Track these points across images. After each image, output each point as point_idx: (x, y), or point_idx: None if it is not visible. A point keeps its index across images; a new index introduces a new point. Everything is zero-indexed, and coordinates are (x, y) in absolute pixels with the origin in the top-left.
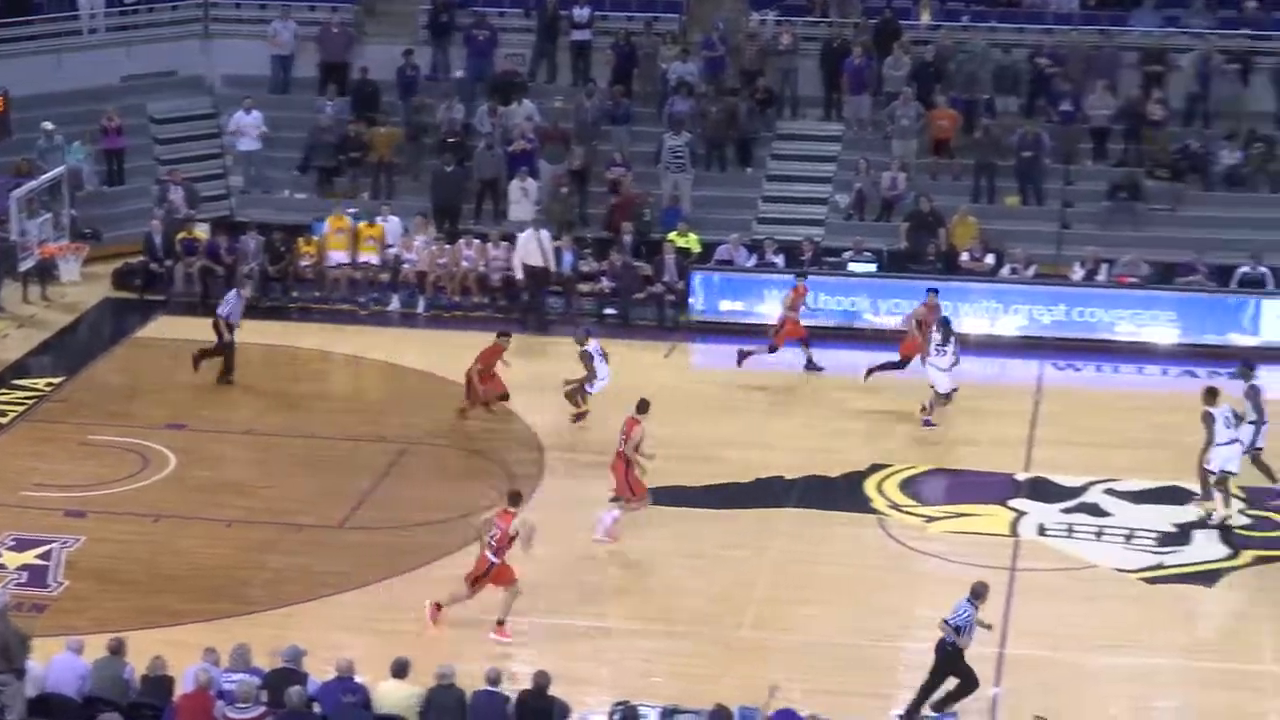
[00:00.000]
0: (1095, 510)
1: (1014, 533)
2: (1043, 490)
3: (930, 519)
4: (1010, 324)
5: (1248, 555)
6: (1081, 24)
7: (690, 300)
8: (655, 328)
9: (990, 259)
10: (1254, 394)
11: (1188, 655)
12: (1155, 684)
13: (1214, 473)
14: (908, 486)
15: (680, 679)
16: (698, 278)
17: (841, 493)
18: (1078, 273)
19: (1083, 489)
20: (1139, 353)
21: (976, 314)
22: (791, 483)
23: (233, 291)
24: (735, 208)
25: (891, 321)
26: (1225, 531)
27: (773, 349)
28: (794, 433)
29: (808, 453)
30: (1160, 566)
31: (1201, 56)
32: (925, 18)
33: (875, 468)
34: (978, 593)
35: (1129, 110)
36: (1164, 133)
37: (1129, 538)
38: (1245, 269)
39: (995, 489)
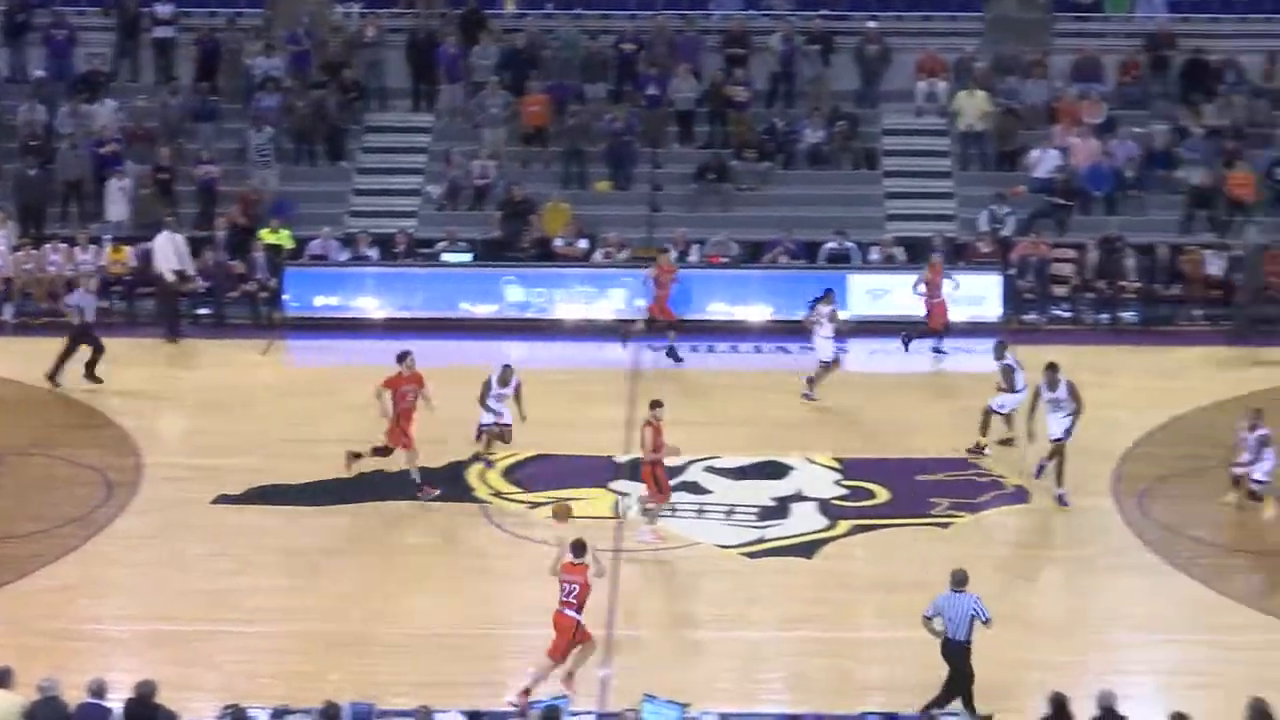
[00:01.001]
0: (696, 488)
1: (617, 514)
2: None
3: (534, 505)
4: (606, 308)
5: (845, 525)
6: (664, 8)
7: (284, 297)
8: (250, 326)
9: (584, 244)
10: (1008, 373)
11: (791, 626)
12: (761, 657)
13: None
14: (510, 473)
15: (288, 679)
16: (289, 274)
17: (445, 483)
18: (670, 254)
19: (682, 468)
20: (732, 331)
21: (572, 299)
22: (392, 476)
23: None
24: (327, 202)
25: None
26: (823, 503)
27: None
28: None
29: None
30: (761, 540)
31: (783, 38)
32: (510, 6)
33: (477, 456)
34: (961, 580)
35: (713, 93)
36: (748, 114)
37: (729, 514)
38: (832, 245)
39: (597, 472)
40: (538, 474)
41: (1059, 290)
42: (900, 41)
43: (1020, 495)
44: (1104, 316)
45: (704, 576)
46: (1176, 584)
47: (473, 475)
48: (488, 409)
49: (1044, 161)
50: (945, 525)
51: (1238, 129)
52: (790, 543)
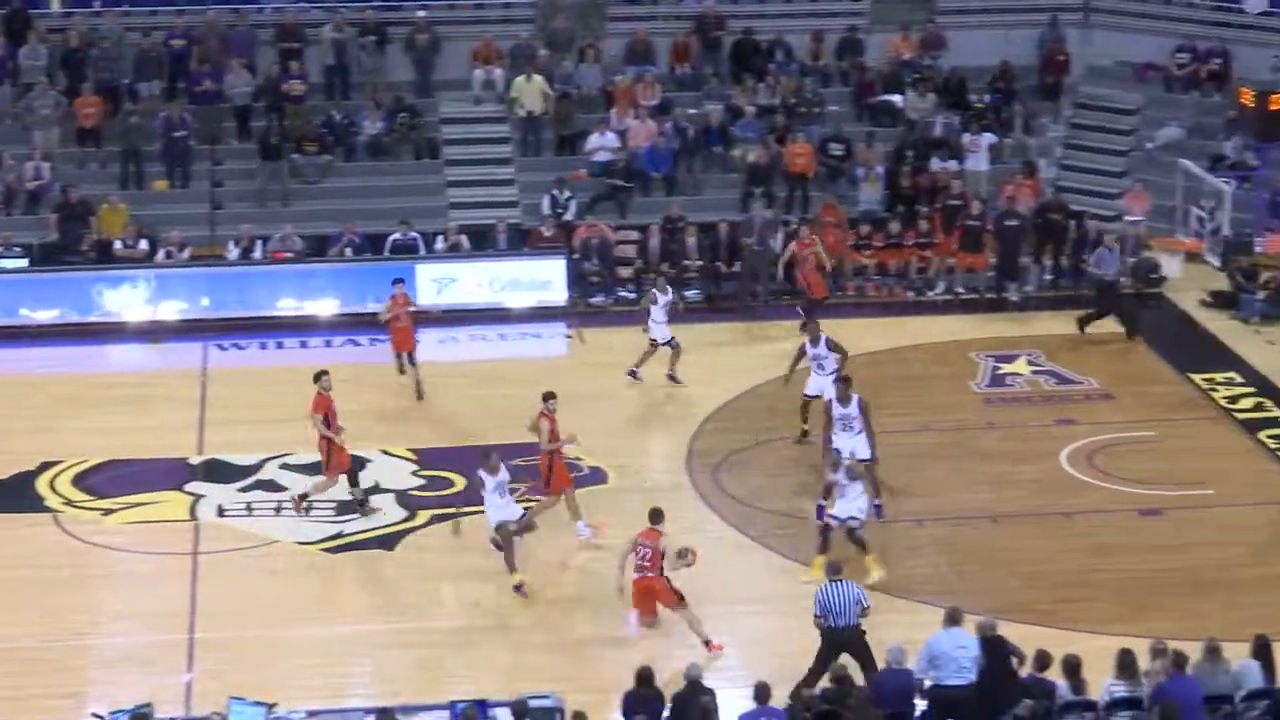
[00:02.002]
0: (272, 486)
1: (193, 516)
2: (218, 471)
3: (107, 511)
4: (171, 309)
5: (424, 515)
6: (215, 3)
7: None
8: None
9: (144, 245)
10: (865, 408)
11: (375, 619)
12: (345, 651)
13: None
14: (81, 480)
15: None
16: None
17: (12, 494)
18: (233, 252)
19: (258, 466)
20: (302, 326)
21: (136, 302)
22: None
23: None
24: None
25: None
26: (401, 494)
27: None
28: None
29: None
30: (340, 535)
31: (335, 28)
32: (55, 4)
33: (46, 465)
34: (836, 569)
35: (269, 87)
36: (306, 107)
37: (307, 510)
38: (396, 236)
39: (170, 475)
40: (109, 480)
41: (623, 272)
42: (455, 30)
43: (597, 476)
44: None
45: (284, 574)
46: (755, 556)
47: (42, 484)
48: None
49: (603, 145)
50: (524, 509)
51: (789, 107)
52: (370, 536)
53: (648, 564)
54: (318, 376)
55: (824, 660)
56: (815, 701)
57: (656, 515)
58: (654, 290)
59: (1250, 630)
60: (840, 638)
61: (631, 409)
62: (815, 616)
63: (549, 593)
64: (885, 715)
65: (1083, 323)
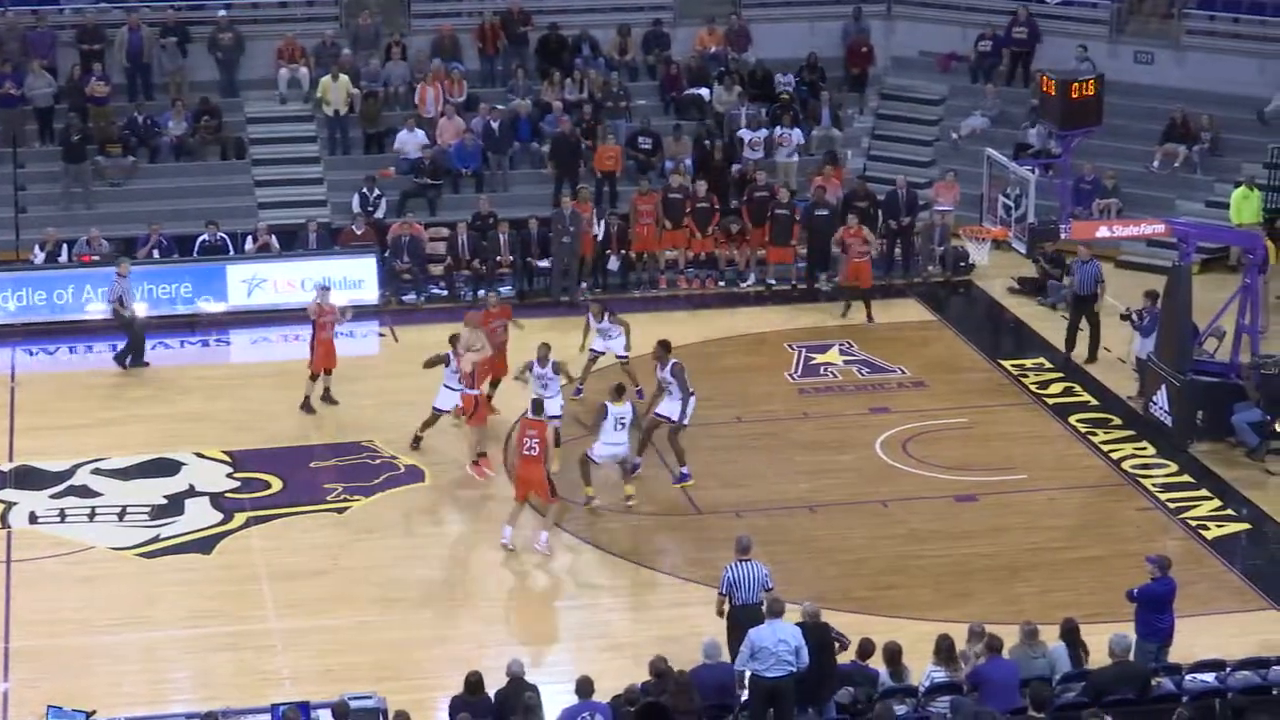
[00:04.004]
0: (85, 491)
1: (5, 524)
2: (30, 478)
3: None
4: None
5: (241, 517)
6: (14, 4)
7: None
8: None
9: None
10: (679, 372)
11: (194, 623)
12: (165, 656)
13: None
14: None
15: None
16: None
17: None
18: (39, 256)
19: (70, 472)
20: (110, 330)
21: None
22: None
23: None
24: None
25: None
26: (216, 497)
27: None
28: None
29: None
30: (156, 539)
31: (133, 29)
32: None
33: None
34: (745, 548)
35: (71, 88)
36: (109, 108)
37: (122, 515)
38: (205, 237)
39: None
40: None
41: (435, 269)
42: (258, 29)
43: (415, 475)
44: (481, 292)
45: (100, 580)
46: (577, 550)
47: None
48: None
49: (410, 142)
50: (341, 510)
51: (596, 101)
52: (187, 539)
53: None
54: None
55: (733, 637)
56: (637, 695)
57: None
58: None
59: (1065, 613)
60: (744, 615)
61: None
62: (720, 593)
63: (369, 593)
64: (705, 707)
65: (1070, 342)
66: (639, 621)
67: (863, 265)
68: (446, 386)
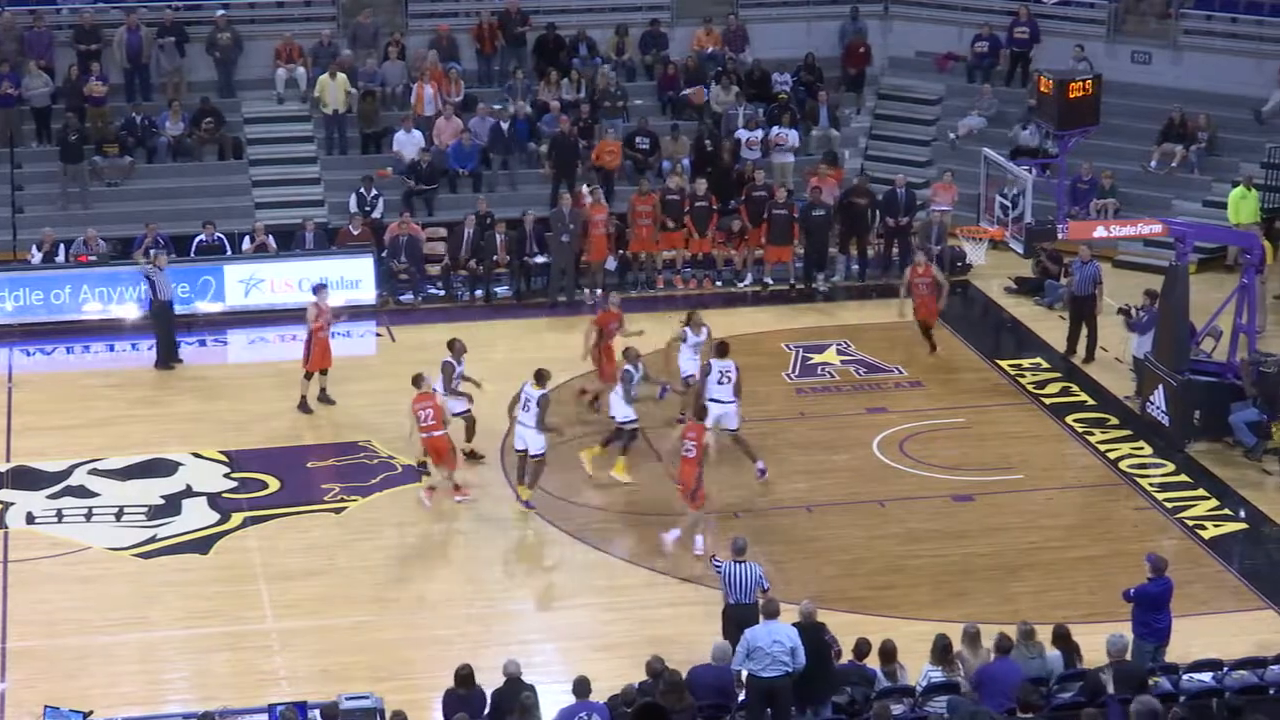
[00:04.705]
0: (82, 492)
1: (2, 524)
2: (27, 478)
3: None
4: None
5: (238, 518)
6: (10, 4)
7: None
8: None
9: None
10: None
11: (191, 623)
12: (162, 657)
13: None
14: None
15: None
16: None
17: None
18: (36, 256)
19: (67, 472)
20: (108, 330)
21: None
22: None
23: None
24: None
25: None
26: (213, 497)
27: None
28: None
29: None
30: (154, 540)
31: (131, 29)
32: None
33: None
34: (741, 548)
35: (69, 88)
36: (107, 108)
37: (119, 515)
38: (202, 237)
39: None
40: None
41: (432, 269)
42: (255, 29)
43: (412, 475)
44: (478, 292)
45: (98, 581)
46: (571, 551)
47: None
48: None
49: (408, 142)
50: (339, 510)
51: (595, 101)
52: (184, 540)
53: (433, 423)
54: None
55: (729, 635)
56: (634, 695)
57: (418, 380)
58: (685, 328)
59: (1062, 613)
60: (740, 614)
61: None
62: (724, 593)
63: (366, 593)
64: (702, 707)
65: (1071, 344)
66: (635, 622)
67: (929, 301)
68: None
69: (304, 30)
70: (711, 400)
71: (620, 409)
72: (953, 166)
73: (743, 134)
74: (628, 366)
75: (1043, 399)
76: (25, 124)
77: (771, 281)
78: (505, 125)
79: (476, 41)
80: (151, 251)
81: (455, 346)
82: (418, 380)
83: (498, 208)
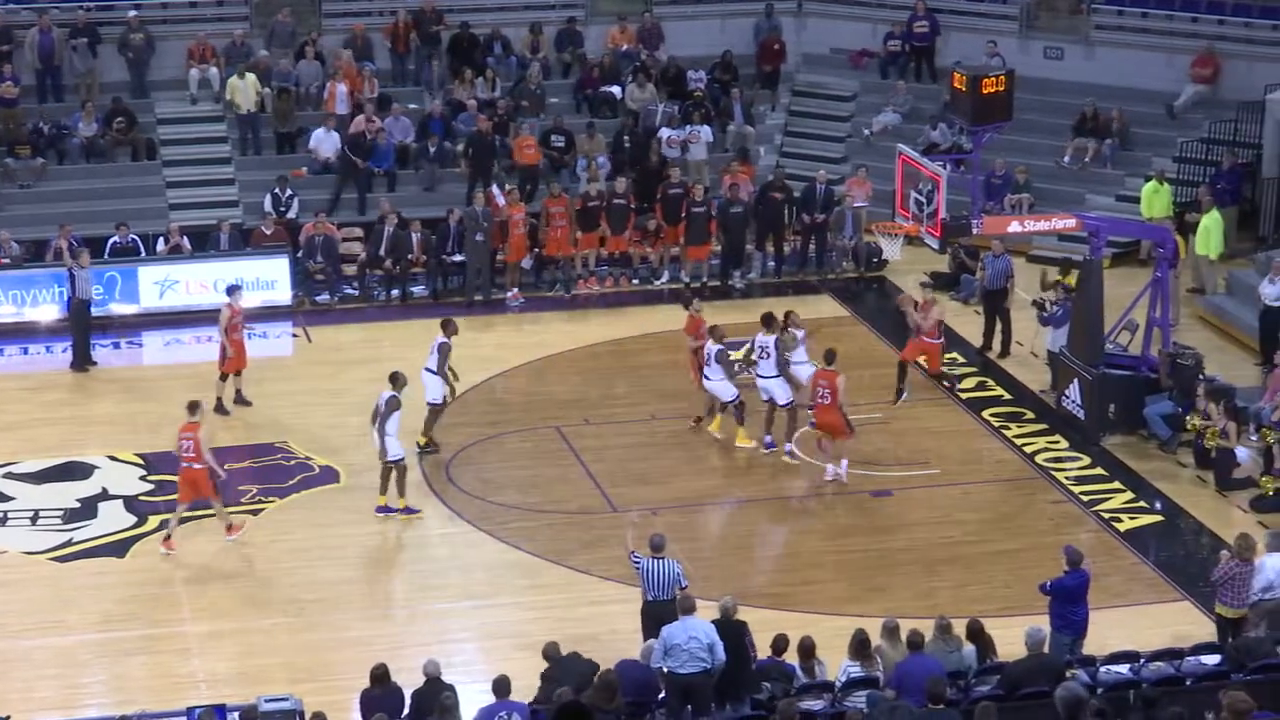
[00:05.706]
0: None
1: None
2: None
3: None
4: None
5: (154, 520)
6: None
7: None
8: None
9: None
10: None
11: (108, 627)
12: (79, 661)
13: None
14: None
15: None
16: None
17: None
18: None
19: None
20: (21, 333)
21: None
22: None
23: None
24: None
25: None
26: (129, 500)
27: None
28: None
29: None
30: (70, 543)
31: (44, 32)
32: None
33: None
34: (660, 545)
35: None
36: (18, 110)
37: (34, 519)
38: (116, 239)
39: None
40: None
41: (349, 269)
42: (168, 29)
43: (329, 476)
44: (395, 292)
45: (12, 585)
46: (489, 549)
47: None
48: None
49: (324, 142)
50: (256, 512)
51: (515, 99)
52: (101, 543)
53: (192, 455)
54: (688, 301)
55: (648, 632)
56: (562, 693)
57: (193, 407)
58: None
59: (979, 607)
60: (657, 611)
61: (360, 407)
62: (643, 590)
63: (283, 595)
64: (626, 704)
65: (986, 338)
66: (556, 620)
67: (932, 348)
68: (429, 370)
69: (217, 30)
70: (759, 377)
71: (725, 390)
72: (867, 163)
73: (665, 132)
74: (719, 346)
75: (958, 394)
76: None
77: (688, 279)
78: (418, 123)
79: (390, 40)
80: (73, 247)
81: (449, 327)
82: (193, 407)
83: (415, 207)
